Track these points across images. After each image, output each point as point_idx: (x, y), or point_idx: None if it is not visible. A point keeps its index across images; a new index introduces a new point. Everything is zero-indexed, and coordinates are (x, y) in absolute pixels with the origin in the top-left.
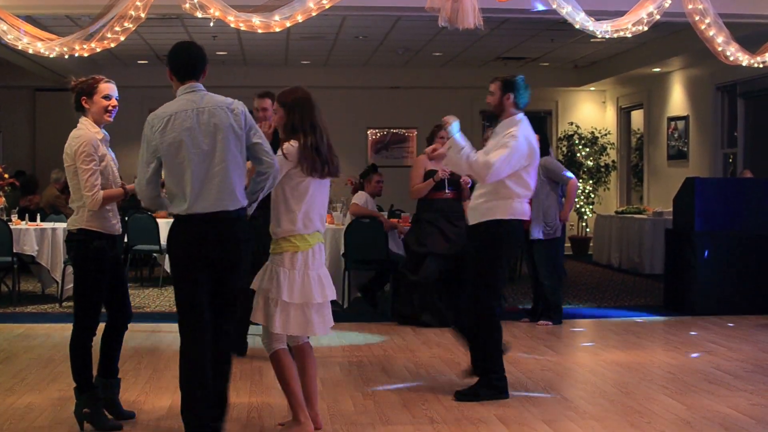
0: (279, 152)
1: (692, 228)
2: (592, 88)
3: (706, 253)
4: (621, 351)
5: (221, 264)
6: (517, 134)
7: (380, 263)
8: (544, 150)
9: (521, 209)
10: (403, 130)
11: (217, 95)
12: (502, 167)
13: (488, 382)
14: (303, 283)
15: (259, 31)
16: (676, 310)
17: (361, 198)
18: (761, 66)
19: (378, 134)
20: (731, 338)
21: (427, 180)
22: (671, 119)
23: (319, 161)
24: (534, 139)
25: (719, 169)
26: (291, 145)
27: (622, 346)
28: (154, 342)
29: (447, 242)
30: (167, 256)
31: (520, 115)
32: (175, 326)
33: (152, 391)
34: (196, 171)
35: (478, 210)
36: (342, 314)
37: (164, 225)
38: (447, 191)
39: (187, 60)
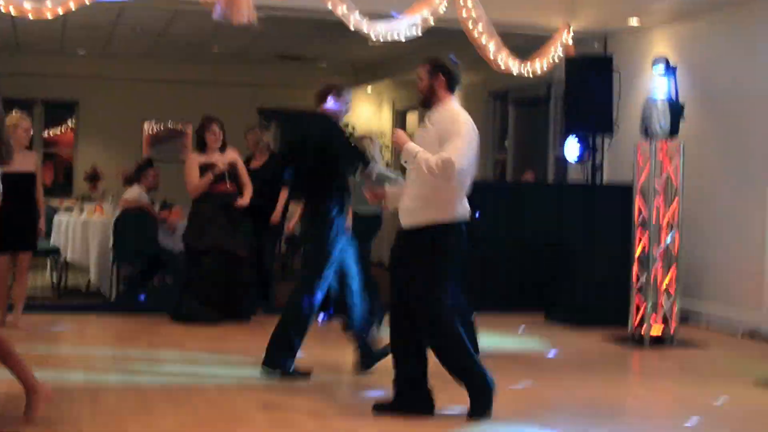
0: None
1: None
2: (369, 90)
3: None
4: None
5: None
6: (464, 119)
7: (149, 256)
8: None
9: (464, 209)
10: (180, 125)
11: None
12: (463, 161)
13: (476, 390)
14: None
15: (30, 17)
16: None
17: (134, 192)
18: (532, 74)
19: (155, 128)
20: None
21: (204, 175)
22: None
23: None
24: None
25: (490, 174)
26: None
27: None
28: None
29: (226, 237)
30: None
31: (454, 100)
32: None
33: None
34: None
35: (414, 212)
36: (109, 306)
37: None
38: (228, 184)
39: None
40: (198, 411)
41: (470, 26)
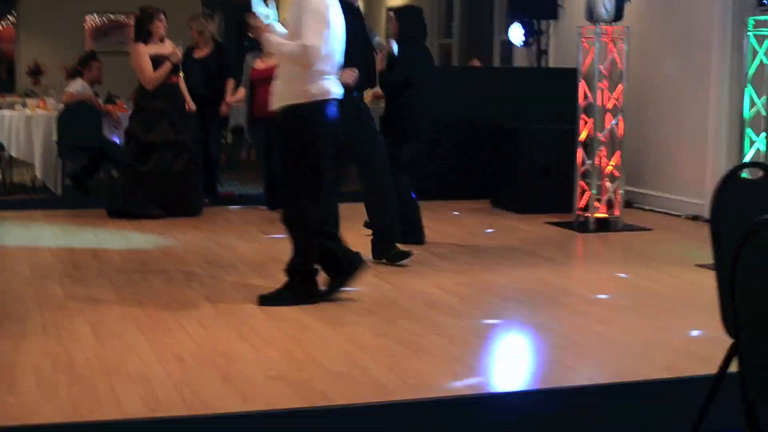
0: None
1: None
2: None
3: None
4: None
5: None
6: (317, 3)
7: (94, 150)
8: None
9: (324, 88)
10: (122, 16)
11: None
12: (319, 41)
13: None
14: None
15: None
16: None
17: (77, 85)
18: None
19: (97, 20)
20: (442, 223)
21: (160, 66)
22: (390, 9)
23: None
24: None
25: (437, 59)
26: None
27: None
28: None
29: (178, 131)
30: None
31: None
32: None
33: None
34: None
35: (280, 95)
36: (55, 201)
37: None
38: (177, 76)
39: None
40: (143, 301)
41: None
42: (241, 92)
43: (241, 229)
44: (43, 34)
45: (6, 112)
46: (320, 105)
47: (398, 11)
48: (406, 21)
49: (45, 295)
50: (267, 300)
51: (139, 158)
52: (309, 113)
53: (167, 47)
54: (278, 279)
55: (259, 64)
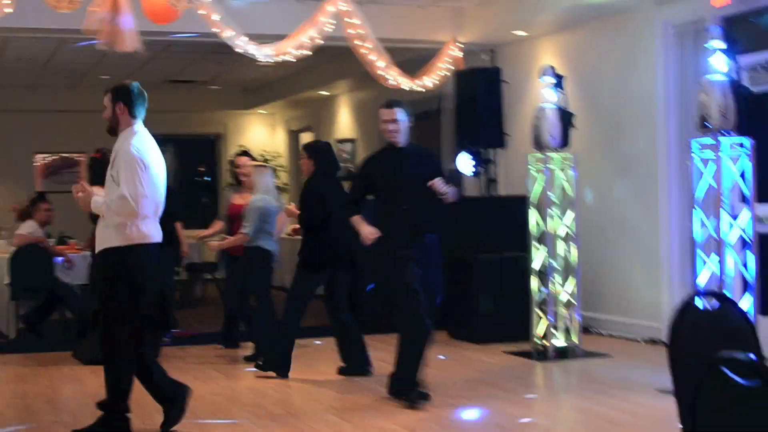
0: None
1: None
2: (262, 111)
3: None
4: (294, 372)
5: None
6: (127, 149)
7: (47, 292)
8: None
9: (145, 231)
10: (74, 154)
11: None
12: (139, 193)
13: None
14: None
15: None
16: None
17: (29, 227)
18: (422, 89)
19: (47, 159)
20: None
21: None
22: (340, 141)
23: None
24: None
25: None
26: None
27: (296, 367)
28: None
29: None
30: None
31: (137, 126)
32: None
33: None
34: None
35: (100, 237)
36: (8, 346)
37: None
38: None
39: None
40: None
41: (358, 43)
42: (218, 225)
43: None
44: None
45: None
46: (142, 247)
47: (307, 148)
48: (317, 157)
49: None
50: None
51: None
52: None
53: None
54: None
55: (238, 200)
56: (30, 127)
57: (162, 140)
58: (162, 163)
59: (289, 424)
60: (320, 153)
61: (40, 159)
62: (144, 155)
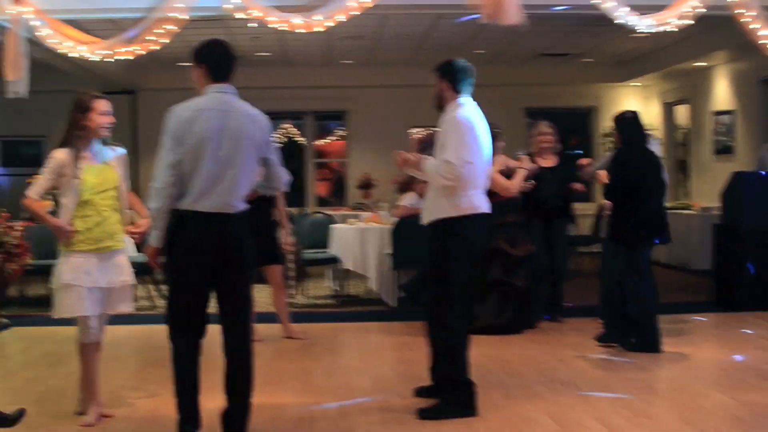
0: None
1: (741, 223)
2: (636, 83)
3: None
4: (672, 348)
5: (224, 264)
6: (458, 118)
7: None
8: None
9: (475, 202)
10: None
11: (245, 103)
12: (464, 159)
13: (454, 398)
14: None
15: (301, 30)
16: (726, 306)
17: (410, 198)
18: None
19: (421, 133)
20: None
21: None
22: (717, 113)
23: None
24: (478, 120)
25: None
26: None
27: (673, 343)
28: None
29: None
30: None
31: (462, 99)
32: None
33: None
34: (210, 170)
35: (430, 208)
36: (390, 314)
37: None
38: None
39: (228, 60)
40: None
41: (740, 12)
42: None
43: (575, 341)
44: (371, 148)
45: (341, 226)
46: (471, 218)
47: (614, 119)
48: (622, 128)
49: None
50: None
51: (509, 273)
52: (461, 225)
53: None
54: None
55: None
56: (405, 102)
57: (534, 113)
58: (488, 135)
59: (674, 399)
60: (625, 124)
61: (415, 133)
62: (471, 123)
